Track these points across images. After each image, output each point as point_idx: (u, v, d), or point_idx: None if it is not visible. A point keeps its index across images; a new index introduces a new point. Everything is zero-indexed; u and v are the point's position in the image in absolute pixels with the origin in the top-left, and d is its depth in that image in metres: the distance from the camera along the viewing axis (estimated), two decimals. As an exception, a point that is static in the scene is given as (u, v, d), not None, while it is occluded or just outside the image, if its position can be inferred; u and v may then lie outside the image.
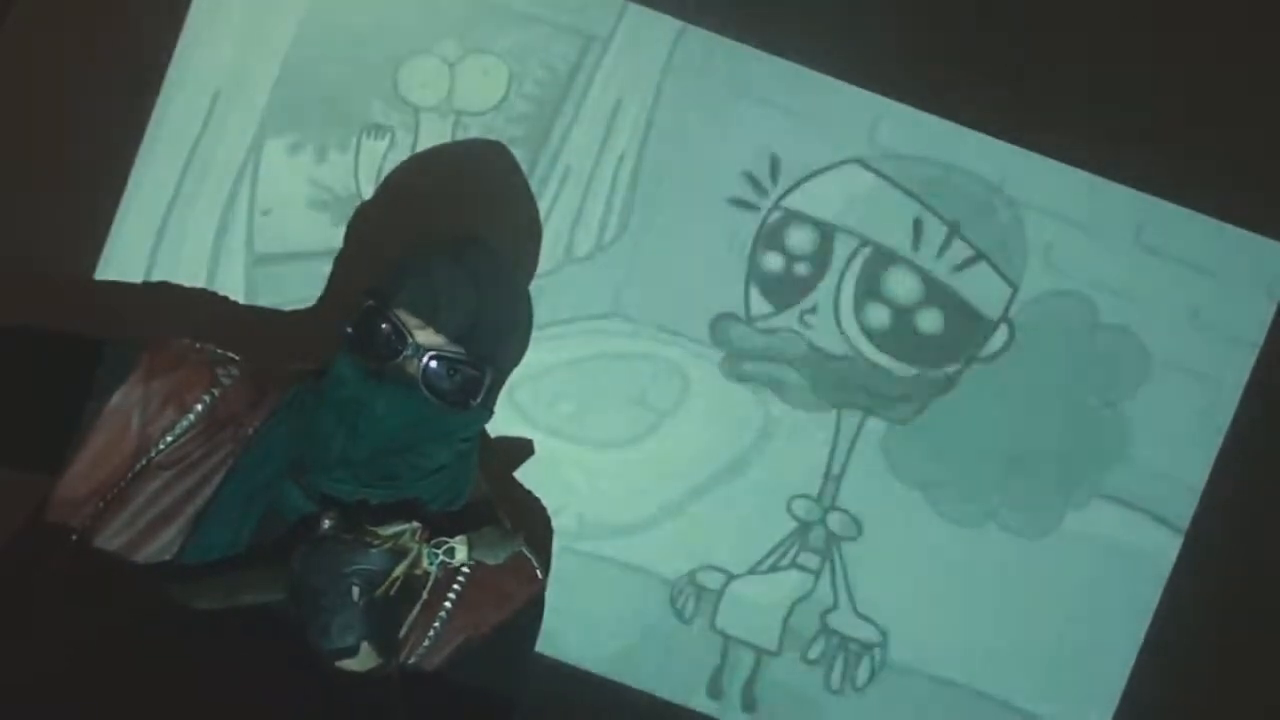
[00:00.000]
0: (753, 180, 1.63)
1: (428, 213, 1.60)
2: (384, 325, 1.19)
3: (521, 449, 1.60)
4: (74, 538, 1.19)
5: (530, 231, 1.61)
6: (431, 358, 1.18)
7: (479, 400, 1.23)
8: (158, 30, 1.59)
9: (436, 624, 1.24)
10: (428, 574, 1.14)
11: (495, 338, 1.24)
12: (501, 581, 1.28)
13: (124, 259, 1.61)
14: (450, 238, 1.28)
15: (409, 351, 1.18)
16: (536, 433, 1.62)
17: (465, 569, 1.25)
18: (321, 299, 1.61)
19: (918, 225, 1.64)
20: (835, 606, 1.65)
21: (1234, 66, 1.63)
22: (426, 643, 1.24)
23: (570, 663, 1.63)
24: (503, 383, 1.29)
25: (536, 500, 1.61)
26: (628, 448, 1.64)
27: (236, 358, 1.30)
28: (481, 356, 1.22)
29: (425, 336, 1.19)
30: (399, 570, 1.10)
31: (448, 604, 1.24)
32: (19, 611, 1.18)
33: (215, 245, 1.62)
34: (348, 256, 1.61)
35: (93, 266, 1.61)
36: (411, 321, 1.19)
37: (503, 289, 1.26)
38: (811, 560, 1.65)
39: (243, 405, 1.25)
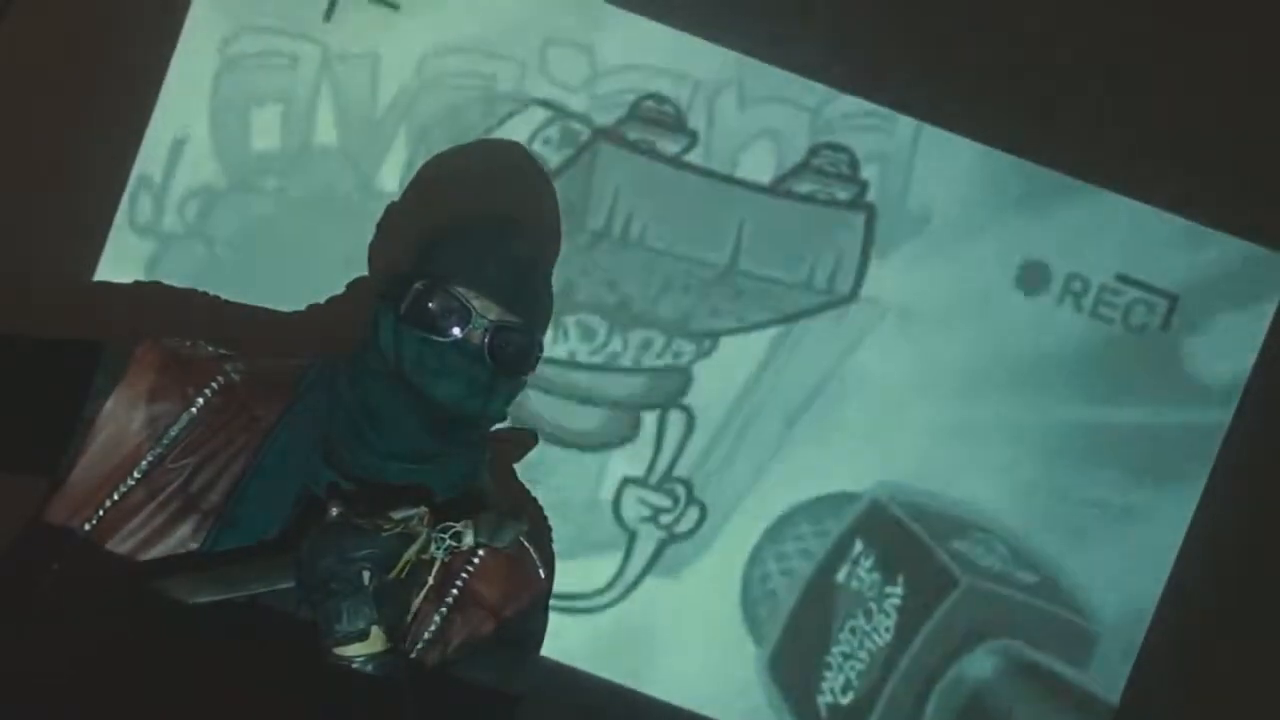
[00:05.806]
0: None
1: (434, 214, 1.57)
2: (443, 301, 1.23)
3: (523, 441, 1.60)
4: (80, 539, 1.19)
5: (549, 224, 1.63)
6: (496, 328, 1.22)
7: (533, 366, 1.29)
8: (158, 30, 1.59)
9: (437, 618, 1.24)
10: (434, 558, 1.15)
11: (539, 307, 1.31)
12: (505, 580, 1.29)
13: (124, 259, 1.61)
14: (485, 215, 1.34)
15: (473, 324, 1.22)
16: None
17: (471, 563, 1.26)
18: (323, 298, 1.61)
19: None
20: None
21: (1233, 73, 1.64)
22: (430, 631, 1.24)
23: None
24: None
25: (534, 499, 1.61)
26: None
27: (233, 354, 1.30)
28: (532, 324, 1.28)
29: (484, 308, 1.23)
30: (409, 554, 1.11)
31: (450, 599, 1.24)
32: (21, 613, 1.17)
33: (211, 244, 1.62)
34: (349, 256, 1.60)
35: (93, 267, 1.61)
36: (470, 295, 1.23)
37: (540, 262, 1.34)
38: None
39: (254, 396, 1.26)
